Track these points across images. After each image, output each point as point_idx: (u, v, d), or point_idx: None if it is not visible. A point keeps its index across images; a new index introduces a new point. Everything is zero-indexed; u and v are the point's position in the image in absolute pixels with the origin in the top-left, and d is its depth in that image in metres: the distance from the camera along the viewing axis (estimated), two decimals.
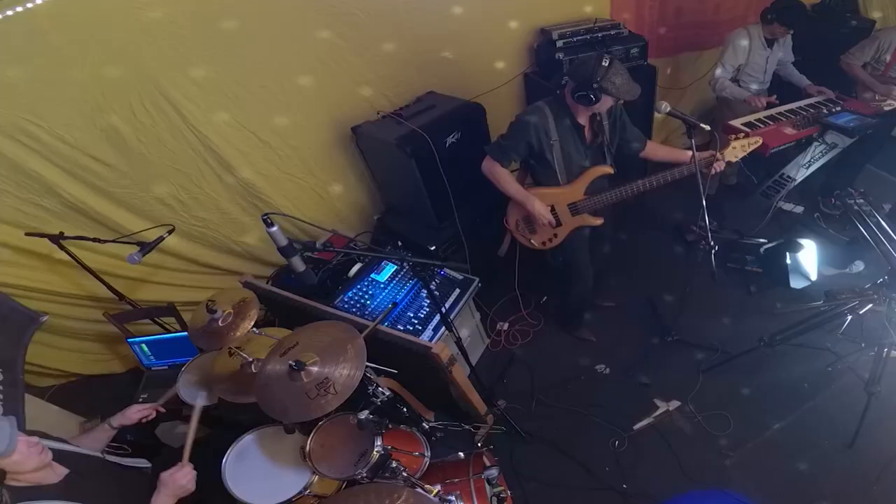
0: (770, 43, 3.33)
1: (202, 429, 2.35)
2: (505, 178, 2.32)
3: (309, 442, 1.79)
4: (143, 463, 1.90)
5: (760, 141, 2.42)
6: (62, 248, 2.28)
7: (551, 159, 2.27)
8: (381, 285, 2.54)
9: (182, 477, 1.55)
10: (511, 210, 2.58)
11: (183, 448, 1.65)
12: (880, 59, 3.29)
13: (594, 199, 2.36)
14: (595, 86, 1.99)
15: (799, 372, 2.75)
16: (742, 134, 2.40)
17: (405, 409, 2.04)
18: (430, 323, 2.41)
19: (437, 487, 1.78)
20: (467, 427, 2.55)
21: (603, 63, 1.98)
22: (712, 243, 2.17)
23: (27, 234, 2.29)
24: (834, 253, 3.37)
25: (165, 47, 2.26)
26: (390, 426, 1.94)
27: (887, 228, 2.14)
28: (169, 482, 1.53)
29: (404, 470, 1.73)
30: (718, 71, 3.37)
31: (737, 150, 2.32)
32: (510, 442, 2.60)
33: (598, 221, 2.46)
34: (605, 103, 2.09)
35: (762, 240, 3.35)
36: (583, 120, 2.23)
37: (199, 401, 1.84)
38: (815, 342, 2.77)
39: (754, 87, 3.44)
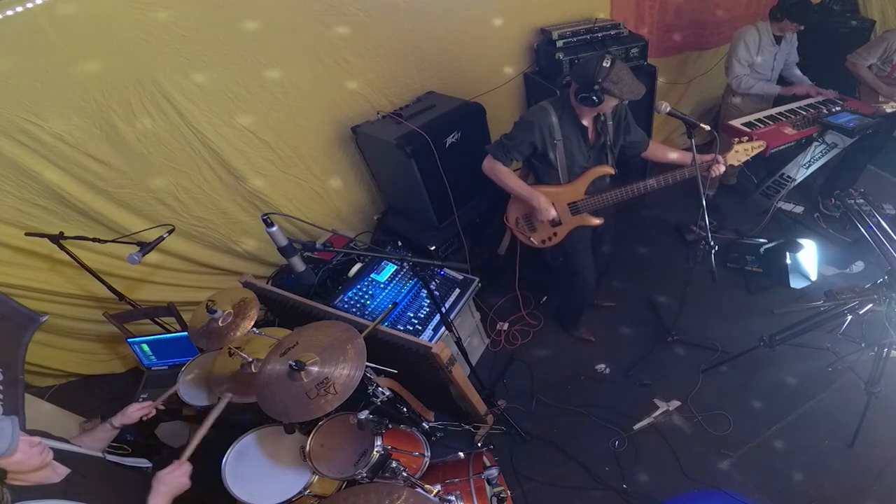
0: (778, 40, 3.33)
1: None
2: (507, 175, 2.32)
3: (309, 442, 1.80)
4: (143, 463, 1.90)
5: (764, 145, 2.40)
6: (62, 248, 2.28)
7: (554, 159, 2.27)
8: (381, 285, 2.54)
9: (182, 475, 1.56)
10: (511, 207, 2.58)
11: (184, 447, 1.65)
12: (887, 61, 3.28)
13: (594, 199, 2.36)
14: (596, 87, 1.97)
15: (799, 372, 2.75)
16: (745, 137, 2.38)
17: (405, 409, 2.04)
18: (430, 323, 2.41)
19: (437, 487, 1.79)
20: (467, 427, 2.55)
21: (604, 64, 1.95)
22: (712, 243, 2.17)
23: (27, 234, 2.30)
24: (834, 253, 3.37)
25: (165, 47, 2.26)
26: (390, 426, 1.94)
27: (887, 228, 2.14)
28: (168, 480, 1.53)
29: (404, 470, 1.74)
30: (738, 69, 3.36)
31: (739, 154, 2.30)
32: (510, 442, 2.60)
33: (598, 221, 2.46)
34: (609, 104, 2.08)
35: (762, 240, 3.35)
36: (587, 121, 2.22)
37: (223, 400, 1.81)
38: (815, 342, 2.77)
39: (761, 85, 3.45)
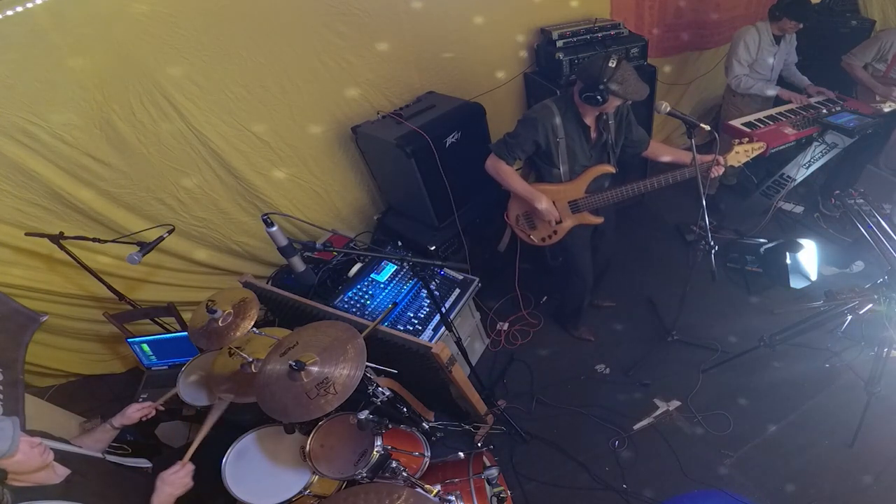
0: (778, 40, 3.33)
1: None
2: (510, 175, 2.32)
3: (309, 442, 1.80)
4: (143, 463, 1.90)
5: (764, 147, 2.39)
6: (62, 248, 2.28)
7: (556, 157, 2.27)
8: (381, 285, 2.54)
9: (186, 475, 1.57)
10: (512, 205, 2.58)
11: (187, 447, 1.65)
12: (881, 60, 3.28)
13: (595, 198, 2.36)
14: (601, 87, 1.99)
15: (799, 372, 2.75)
16: (745, 138, 2.39)
17: (405, 409, 2.04)
18: (430, 323, 2.41)
19: (437, 487, 1.79)
20: (467, 427, 2.55)
21: (610, 64, 1.97)
22: (712, 243, 2.17)
23: (27, 234, 2.30)
24: (834, 253, 3.37)
25: (166, 47, 2.26)
26: (390, 426, 1.94)
27: (887, 228, 2.14)
28: (173, 480, 1.54)
29: (404, 470, 1.74)
30: (737, 69, 3.36)
31: (740, 155, 2.30)
32: (510, 442, 2.60)
33: (598, 220, 2.46)
34: (613, 103, 2.09)
35: (762, 240, 3.36)
36: (589, 120, 2.23)
37: (220, 403, 1.83)
38: (815, 342, 2.77)
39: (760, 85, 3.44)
